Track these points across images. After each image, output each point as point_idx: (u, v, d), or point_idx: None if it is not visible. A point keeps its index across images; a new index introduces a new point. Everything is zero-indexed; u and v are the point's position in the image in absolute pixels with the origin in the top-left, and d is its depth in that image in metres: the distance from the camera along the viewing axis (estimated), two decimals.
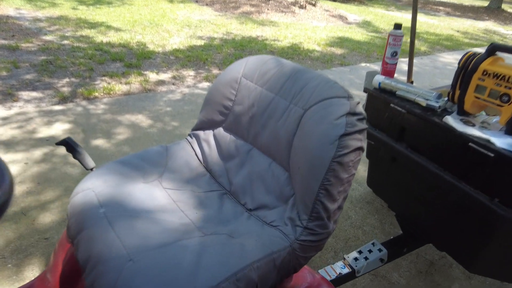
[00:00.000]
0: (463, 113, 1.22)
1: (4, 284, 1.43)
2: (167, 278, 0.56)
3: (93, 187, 0.78)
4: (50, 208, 1.83)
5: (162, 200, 0.79)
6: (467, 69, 1.16)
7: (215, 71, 4.21)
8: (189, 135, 1.10)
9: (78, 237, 0.71)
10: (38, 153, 2.26)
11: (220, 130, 1.02)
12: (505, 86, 1.06)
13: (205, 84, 3.75)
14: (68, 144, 1.00)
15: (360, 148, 0.76)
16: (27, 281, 1.46)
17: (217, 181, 0.94)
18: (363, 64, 5.05)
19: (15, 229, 1.69)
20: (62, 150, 2.31)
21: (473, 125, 1.16)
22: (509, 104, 1.06)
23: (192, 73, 4.05)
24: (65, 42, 4.53)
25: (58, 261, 1.00)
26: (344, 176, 0.73)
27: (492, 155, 1.02)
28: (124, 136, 2.57)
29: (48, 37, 4.63)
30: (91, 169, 1.01)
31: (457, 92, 1.21)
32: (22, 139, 2.40)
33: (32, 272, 1.49)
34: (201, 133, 1.05)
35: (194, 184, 0.90)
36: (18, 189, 1.93)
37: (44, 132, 2.51)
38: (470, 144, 1.08)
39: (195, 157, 1.01)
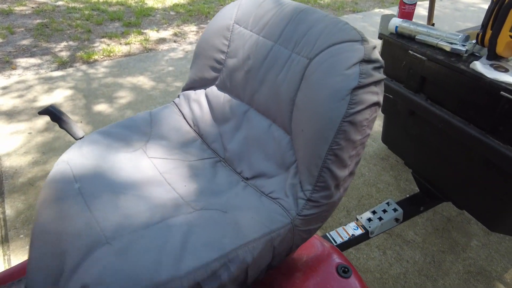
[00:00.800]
0: (494, 57, 1.06)
1: (18, 253, 1.45)
2: (148, 262, 0.49)
3: (69, 160, 0.69)
4: None
5: (146, 171, 0.70)
6: (502, 4, 0.99)
7: None
8: (178, 95, 0.98)
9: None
10: (40, 122, 2.21)
11: (213, 89, 0.90)
12: None
13: None
14: (52, 112, 0.91)
15: (376, 104, 0.63)
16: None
17: (210, 147, 0.84)
18: (377, 10, 4.69)
19: (24, 200, 1.68)
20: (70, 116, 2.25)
21: (506, 71, 1.01)
22: None
23: (194, 28, 3.84)
24: (60, 3, 4.31)
25: None
26: (357, 138, 0.62)
27: None
28: (127, 100, 2.48)
29: None
30: (80, 138, 0.94)
31: (489, 33, 1.04)
32: (23, 108, 2.34)
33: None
34: (191, 93, 0.93)
35: (183, 152, 0.80)
36: (24, 160, 1.91)
37: (45, 100, 2.44)
38: (502, 92, 0.94)
39: (185, 121, 0.90)
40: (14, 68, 2.83)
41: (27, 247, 1.48)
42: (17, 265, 0.92)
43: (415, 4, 1.35)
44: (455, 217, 1.71)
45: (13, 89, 2.55)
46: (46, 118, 2.26)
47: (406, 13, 1.35)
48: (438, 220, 1.69)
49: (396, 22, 1.27)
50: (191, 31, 3.77)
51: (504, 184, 1.04)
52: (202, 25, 3.93)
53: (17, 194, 1.71)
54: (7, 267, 1.38)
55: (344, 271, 0.70)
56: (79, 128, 0.90)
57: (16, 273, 0.98)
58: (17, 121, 2.21)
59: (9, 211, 1.62)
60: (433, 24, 1.51)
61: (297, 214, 0.62)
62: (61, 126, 0.89)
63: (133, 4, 4.43)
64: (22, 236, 1.52)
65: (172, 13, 4.25)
